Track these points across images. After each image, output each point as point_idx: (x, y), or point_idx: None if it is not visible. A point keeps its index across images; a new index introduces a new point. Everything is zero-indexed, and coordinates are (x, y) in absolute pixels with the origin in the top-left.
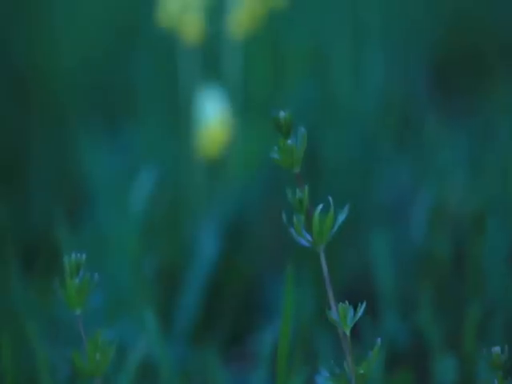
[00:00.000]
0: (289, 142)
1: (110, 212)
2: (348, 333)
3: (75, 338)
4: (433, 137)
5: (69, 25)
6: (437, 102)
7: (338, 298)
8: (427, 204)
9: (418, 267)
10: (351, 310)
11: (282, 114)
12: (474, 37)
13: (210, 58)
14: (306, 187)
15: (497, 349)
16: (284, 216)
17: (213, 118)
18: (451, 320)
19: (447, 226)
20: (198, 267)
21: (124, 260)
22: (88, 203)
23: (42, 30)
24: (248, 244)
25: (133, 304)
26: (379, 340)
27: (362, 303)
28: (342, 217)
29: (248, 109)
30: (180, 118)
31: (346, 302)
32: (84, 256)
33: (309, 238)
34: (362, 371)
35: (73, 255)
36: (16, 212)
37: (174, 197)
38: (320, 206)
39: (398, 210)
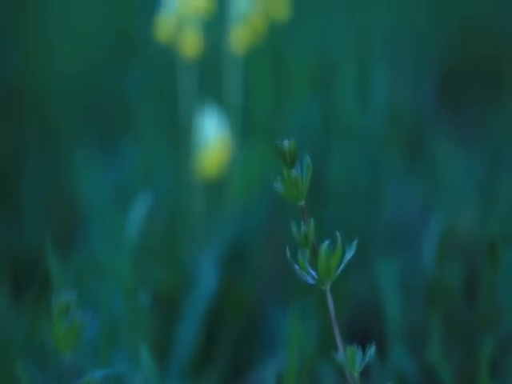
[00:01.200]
0: (293, 172)
1: (104, 237)
2: (357, 376)
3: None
4: (442, 158)
5: (64, 38)
6: (445, 117)
7: (344, 331)
8: (437, 230)
9: (427, 297)
10: (360, 353)
11: (285, 142)
12: (482, 45)
13: (210, 74)
14: (312, 221)
15: None
16: (288, 251)
17: (212, 138)
18: (463, 355)
19: (459, 253)
20: (196, 296)
21: (118, 289)
22: (82, 226)
23: (37, 43)
24: (249, 270)
25: (128, 337)
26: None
27: (370, 343)
28: (349, 253)
29: (249, 128)
30: (179, 137)
31: (354, 344)
32: (74, 295)
33: (314, 274)
34: None
35: (61, 296)
36: (8, 232)
37: (172, 221)
38: (326, 243)
39: (406, 236)
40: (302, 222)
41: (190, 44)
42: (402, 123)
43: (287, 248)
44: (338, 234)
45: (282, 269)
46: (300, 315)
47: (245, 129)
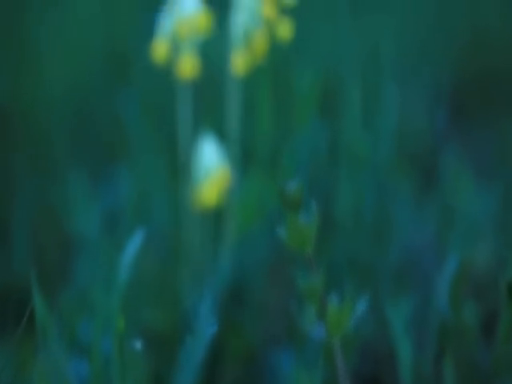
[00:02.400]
0: (299, 219)
1: (95, 274)
2: None
3: None
4: (455, 187)
5: (56, 56)
6: (459, 140)
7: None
8: (451, 266)
9: (441, 340)
10: None
11: (290, 185)
12: (493, 57)
13: (209, 97)
14: (319, 271)
15: None
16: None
17: (211, 166)
18: None
19: (474, 291)
20: (195, 341)
21: (109, 331)
22: (73, 258)
23: (27, 61)
24: (250, 309)
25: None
26: None
27: None
28: (361, 306)
29: (250, 155)
30: (176, 163)
31: None
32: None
33: (322, 328)
34: None
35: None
36: None
37: (168, 256)
38: (335, 298)
39: (417, 273)
40: (309, 273)
41: (187, 66)
42: (413, 149)
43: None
44: (347, 284)
45: (285, 307)
46: (304, 361)
47: (245, 156)
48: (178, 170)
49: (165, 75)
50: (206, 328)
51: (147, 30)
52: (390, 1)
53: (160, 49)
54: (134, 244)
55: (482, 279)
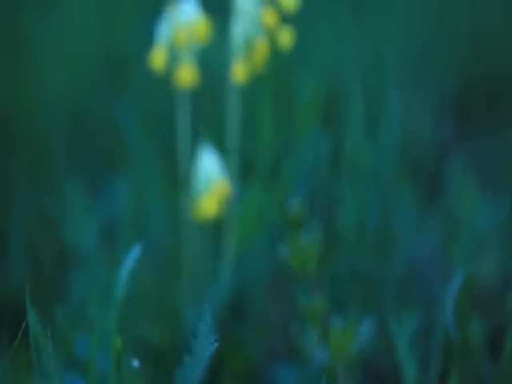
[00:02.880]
0: (301, 239)
1: (92, 290)
2: None
3: None
4: (460, 198)
5: (54, 64)
6: (463, 150)
7: None
8: (457, 283)
9: (446, 356)
10: None
11: (292, 204)
12: (496, 62)
13: (209, 105)
14: (323, 294)
15: None
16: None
17: (211, 177)
18: None
19: (480, 306)
20: (194, 359)
21: (106, 348)
22: (70, 271)
23: (24, 69)
24: (250, 324)
25: None
26: None
27: None
28: (365, 329)
29: (250, 166)
30: (175, 174)
31: None
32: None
33: (325, 351)
34: None
35: None
36: None
37: (166, 270)
38: (338, 321)
39: (422, 287)
40: (311, 295)
41: (186, 74)
42: (417, 158)
43: (293, 317)
44: (350, 302)
45: (286, 322)
46: (306, 381)
47: (246, 167)
48: (177, 180)
49: (163, 82)
50: (205, 347)
51: (145, 35)
52: (391, 4)
53: (158, 57)
54: (132, 259)
55: (488, 293)
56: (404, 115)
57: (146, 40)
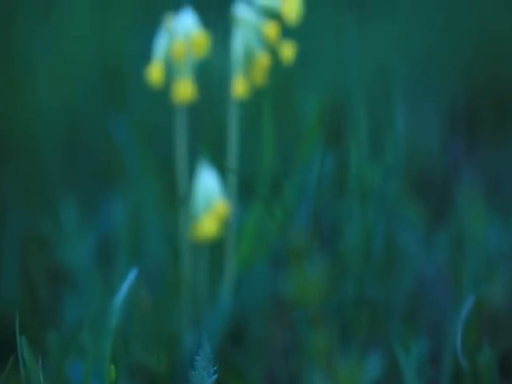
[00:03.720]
0: (305, 272)
1: (85, 316)
2: None
3: None
4: (468, 218)
5: (47, 77)
6: (471, 163)
7: None
8: (466, 308)
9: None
10: None
11: (296, 234)
12: (503, 71)
13: (208, 122)
14: (327, 330)
15: None
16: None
17: (210, 198)
18: None
19: (490, 333)
20: None
21: (101, 376)
22: (63, 294)
23: (21, 81)
24: (249, 351)
25: None
26: None
27: None
28: (374, 371)
29: (251, 186)
30: (173, 191)
31: None
32: None
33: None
34: None
35: None
36: None
37: (164, 294)
38: (347, 363)
39: (430, 312)
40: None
41: (184, 89)
42: (424, 176)
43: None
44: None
45: (286, 346)
46: None
47: (246, 185)
48: (176, 198)
49: (161, 95)
50: (204, 380)
51: (143, 45)
52: (395, 11)
53: (156, 71)
54: (127, 284)
55: (498, 317)
56: (411, 129)
57: (143, 50)
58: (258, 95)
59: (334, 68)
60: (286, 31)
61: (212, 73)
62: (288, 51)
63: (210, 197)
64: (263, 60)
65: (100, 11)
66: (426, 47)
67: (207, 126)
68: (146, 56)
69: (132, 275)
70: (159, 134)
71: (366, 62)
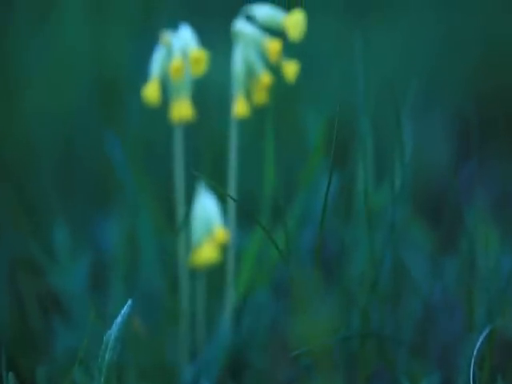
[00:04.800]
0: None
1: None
2: None
3: None
4: (478, 242)
5: (41, 92)
6: (480, 182)
7: None
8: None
9: None
10: None
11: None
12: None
13: (209, 141)
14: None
15: None
16: None
17: (209, 223)
18: None
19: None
20: None
21: None
22: (54, 323)
23: (12, 98)
24: (250, 381)
25: None
26: None
27: None
28: None
29: (252, 210)
30: (171, 213)
31: None
32: None
33: None
34: None
35: None
36: None
37: (160, 324)
38: None
39: (439, 343)
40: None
41: (181, 109)
42: (431, 198)
43: None
44: None
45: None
46: None
47: (246, 208)
48: (173, 221)
49: (159, 111)
50: None
51: (139, 58)
52: (397, 19)
53: (152, 90)
54: (122, 317)
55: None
56: (418, 145)
57: (140, 62)
58: (259, 114)
59: (338, 82)
60: (287, 43)
61: (212, 90)
62: (291, 69)
63: (209, 222)
64: (265, 78)
65: (96, 22)
66: (431, 56)
67: (206, 147)
68: (143, 69)
69: (127, 307)
70: (157, 151)
71: (370, 72)
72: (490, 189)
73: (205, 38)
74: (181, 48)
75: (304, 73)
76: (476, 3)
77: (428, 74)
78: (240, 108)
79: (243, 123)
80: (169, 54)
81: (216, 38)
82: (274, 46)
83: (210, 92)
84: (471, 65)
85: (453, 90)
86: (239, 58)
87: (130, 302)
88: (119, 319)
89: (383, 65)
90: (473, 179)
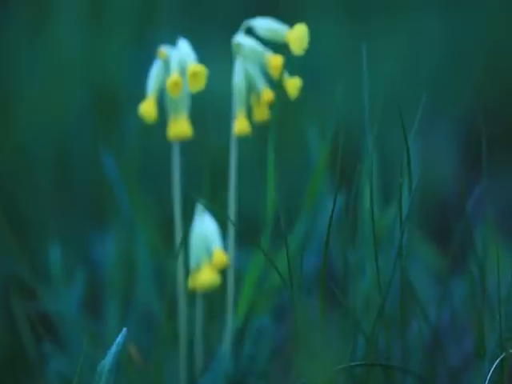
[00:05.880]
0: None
1: (71, 376)
2: None
3: None
4: (488, 266)
5: (35, 106)
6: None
7: None
8: (491, 365)
9: None
10: None
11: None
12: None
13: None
14: None
15: None
16: None
17: (208, 247)
18: None
19: None
20: None
21: None
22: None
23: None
24: None
25: None
26: None
27: None
28: None
29: (252, 232)
30: (168, 236)
31: None
32: None
33: None
34: None
35: None
36: None
37: (157, 350)
38: None
39: (448, 373)
40: None
41: (179, 127)
42: (438, 217)
43: None
44: None
45: None
46: None
47: (247, 230)
48: (171, 242)
49: (156, 127)
50: None
51: (135, 71)
52: (401, 26)
53: (149, 107)
54: (117, 346)
55: None
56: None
57: (137, 73)
58: (260, 131)
59: (341, 96)
60: (288, 56)
61: (211, 106)
62: (293, 85)
63: (208, 244)
64: (266, 94)
65: (93, 32)
66: (434, 66)
67: (206, 165)
68: (140, 81)
69: (122, 335)
70: (154, 167)
71: (374, 85)
72: (499, 204)
73: (204, 51)
74: (179, 63)
75: (306, 87)
76: (480, 12)
77: (432, 86)
78: (240, 126)
79: (244, 141)
80: (166, 68)
81: (216, 52)
82: (276, 61)
83: (210, 108)
84: (475, 75)
85: (457, 101)
86: (240, 73)
87: (124, 330)
88: (114, 349)
89: (386, 75)
90: (482, 198)
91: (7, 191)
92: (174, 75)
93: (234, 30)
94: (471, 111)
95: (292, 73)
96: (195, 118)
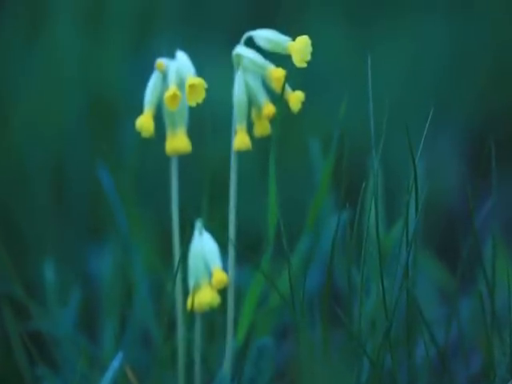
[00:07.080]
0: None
1: None
2: None
3: None
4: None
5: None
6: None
7: None
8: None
9: None
10: None
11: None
12: None
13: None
14: None
15: None
16: None
17: (207, 265)
18: None
19: None
20: None
21: None
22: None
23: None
24: None
25: None
26: None
27: None
28: None
29: (253, 250)
30: (167, 252)
31: None
32: None
33: None
34: None
35: None
36: None
37: (153, 373)
38: None
39: None
40: None
41: (177, 141)
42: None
43: None
44: None
45: None
46: None
47: (249, 245)
48: (168, 260)
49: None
50: None
51: (133, 80)
52: (404, 34)
53: (146, 121)
54: (113, 372)
55: None
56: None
57: (135, 82)
58: (261, 143)
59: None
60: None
61: (210, 118)
62: (295, 98)
63: (207, 263)
64: (267, 108)
65: (90, 39)
66: (438, 68)
67: (205, 180)
68: (138, 91)
69: (117, 359)
70: (152, 181)
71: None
72: (505, 213)
73: (204, 58)
74: (177, 75)
75: (308, 98)
76: (484, 15)
77: (436, 91)
78: (241, 141)
79: (244, 155)
80: (164, 81)
81: (216, 59)
82: (277, 73)
83: (209, 117)
84: (480, 81)
85: (461, 108)
86: (240, 86)
87: (120, 354)
88: (109, 373)
89: (389, 82)
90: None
91: (2, 205)
92: (172, 88)
93: (234, 37)
94: (476, 118)
95: (294, 84)
96: (194, 128)
